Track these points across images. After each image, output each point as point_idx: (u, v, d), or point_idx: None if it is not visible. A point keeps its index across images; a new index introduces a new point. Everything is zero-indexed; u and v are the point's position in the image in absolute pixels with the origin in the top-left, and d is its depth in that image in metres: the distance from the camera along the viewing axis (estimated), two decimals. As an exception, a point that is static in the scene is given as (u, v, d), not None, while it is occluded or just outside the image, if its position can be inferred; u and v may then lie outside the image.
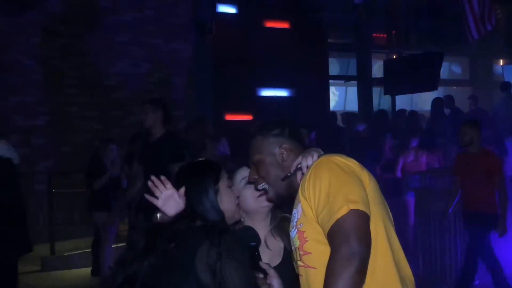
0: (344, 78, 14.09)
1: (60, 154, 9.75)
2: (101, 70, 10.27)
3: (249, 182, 2.47)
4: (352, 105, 13.65)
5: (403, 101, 13.31)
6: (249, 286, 2.15)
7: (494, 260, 6.18)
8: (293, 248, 2.15)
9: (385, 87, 12.38)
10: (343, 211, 1.90)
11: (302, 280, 2.13)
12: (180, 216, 2.30)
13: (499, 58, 15.59)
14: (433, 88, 11.27)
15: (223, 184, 2.38)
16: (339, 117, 11.07)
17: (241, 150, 2.62)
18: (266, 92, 11.99)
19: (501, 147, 8.36)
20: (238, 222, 2.54)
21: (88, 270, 8.03)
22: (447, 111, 10.51)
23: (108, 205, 7.32)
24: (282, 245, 2.55)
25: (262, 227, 2.53)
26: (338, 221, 1.90)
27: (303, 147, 2.37)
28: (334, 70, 13.78)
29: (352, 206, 1.91)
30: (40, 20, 9.76)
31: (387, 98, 13.04)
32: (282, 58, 11.66)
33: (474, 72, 15.36)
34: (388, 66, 12.27)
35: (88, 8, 10.23)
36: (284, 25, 12.23)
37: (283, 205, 2.48)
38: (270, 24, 12.08)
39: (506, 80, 12.30)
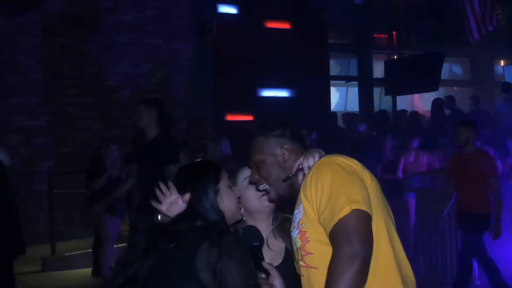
0: (345, 78, 14.09)
1: (60, 155, 9.75)
2: (101, 70, 10.27)
3: (250, 183, 2.47)
4: (353, 106, 13.65)
5: (403, 102, 13.31)
6: (250, 286, 2.15)
7: (489, 261, 6.17)
8: (294, 248, 2.15)
9: (386, 88, 12.38)
10: (345, 211, 1.90)
11: (303, 280, 2.13)
12: (180, 216, 2.30)
13: (499, 58, 15.58)
14: (434, 88, 11.27)
15: (223, 184, 2.38)
16: (339, 118, 11.07)
17: (243, 150, 2.62)
18: (267, 93, 12.00)
19: (502, 147, 8.35)
20: (241, 221, 2.54)
21: (88, 270, 8.02)
22: (447, 111, 10.51)
23: (109, 206, 7.31)
24: (283, 245, 2.55)
25: (264, 227, 2.53)
26: (340, 221, 1.90)
27: (304, 148, 2.37)
28: (335, 71, 13.78)
29: (354, 206, 1.91)
30: (41, 20, 9.77)
31: (388, 98, 13.05)
32: (283, 58, 11.66)
33: (475, 72, 15.34)
34: (389, 66, 12.27)
35: (88, 8, 10.24)
36: (285, 25, 12.24)
37: (284, 206, 2.48)
38: (271, 25, 12.09)
39: (507, 80, 12.30)
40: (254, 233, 2.38)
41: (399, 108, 12.28)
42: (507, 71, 13.87)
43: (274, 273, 2.26)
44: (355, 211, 1.90)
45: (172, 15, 10.99)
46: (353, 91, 13.94)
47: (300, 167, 2.23)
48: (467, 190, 6.14)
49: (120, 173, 7.57)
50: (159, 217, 2.34)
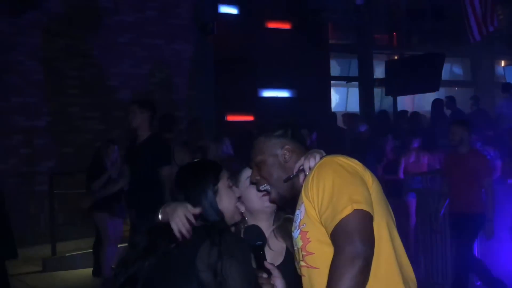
0: (345, 79, 14.09)
1: (61, 155, 9.76)
2: (102, 70, 10.28)
3: (251, 183, 2.47)
4: (354, 106, 13.65)
5: (404, 102, 13.31)
6: (250, 286, 2.15)
7: (476, 261, 6.19)
8: (295, 248, 2.15)
9: (386, 88, 12.38)
10: (347, 211, 1.90)
11: (304, 280, 2.13)
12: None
13: (500, 59, 15.58)
14: (434, 89, 11.27)
15: (222, 184, 2.38)
16: (340, 118, 11.07)
17: (245, 151, 2.62)
18: (268, 93, 12.00)
19: (503, 148, 8.34)
20: (242, 221, 2.54)
21: (89, 270, 8.02)
22: (448, 112, 10.51)
23: (109, 206, 7.31)
24: (284, 245, 2.55)
25: (265, 227, 2.53)
26: (342, 221, 1.90)
27: (305, 148, 2.38)
28: (336, 71, 13.78)
29: (356, 206, 1.91)
30: (42, 20, 9.78)
31: (389, 99, 13.04)
32: (284, 59, 11.67)
33: (476, 73, 15.34)
34: (389, 67, 12.27)
35: (89, 9, 10.25)
36: (286, 25, 12.24)
37: (285, 206, 2.48)
38: (272, 25, 12.09)
39: (508, 81, 12.30)
40: (257, 232, 2.38)
41: (399, 108, 12.28)
42: (507, 72, 13.89)
43: (276, 273, 2.25)
44: (357, 211, 1.90)
45: (173, 16, 10.99)
46: (354, 91, 13.95)
47: (301, 168, 2.24)
48: (460, 189, 6.14)
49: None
50: (159, 217, 2.34)
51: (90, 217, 7.73)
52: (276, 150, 2.33)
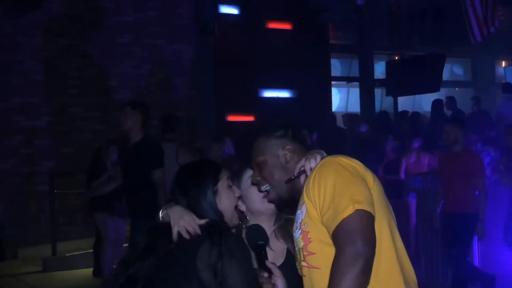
0: (346, 79, 14.08)
1: (62, 155, 9.76)
2: (103, 71, 10.28)
3: (252, 184, 2.47)
4: (354, 106, 13.64)
5: (404, 102, 13.30)
6: (250, 286, 2.15)
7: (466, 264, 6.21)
8: (296, 248, 2.15)
9: (387, 88, 12.37)
10: (349, 211, 1.90)
11: (305, 281, 2.13)
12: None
13: (501, 59, 15.57)
14: (435, 89, 11.26)
15: (222, 184, 2.38)
16: (340, 119, 11.06)
17: (245, 151, 2.61)
18: (268, 93, 11.99)
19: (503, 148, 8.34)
20: (244, 220, 2.54)
21: (89, 270, 8.03)
22: (448, 112, 10.50)
23: (109, 206, 7.31)
24: (285, 246, 2.55)
25: (266, 228, 2.52)
26: (343, 221, 1.90)
27: (306, 148, 2.37)
28: (336, 71, 13.76)
29: (358, 206, 1.91)
30: (43, 21, 9.77)
31: (389, 99, 13.04)
32: (284, 59, 11.66)
33: (476, 73, 15.33)
34: (390, 67, 12.27)
35: (90, 9, 10.24)
36: (286, 26, 12.22)
37: (283, 207, 2.48)
38: (272, 25, 12.08)
39: (508, 81, 12.30)
40: (259, 231, 2.38)
41: (400, 109, 12.28)
42: (508, 72, 13.87)
43: (277, 272, 2.25)
44: (358, 211, 1.90)
45: (174, 16, 10.99)
46: (355, 91, 13.93)
47: (302, 169, 2.23)
48: (454, 189, 6.14)
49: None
50: (160, 217, 2.34)
51: (90, 217, 7.74)
52: (277, 151, 2.33)
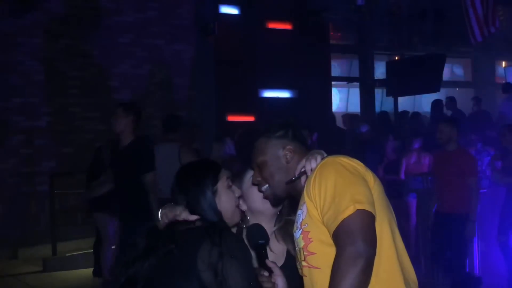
0: (346, 79, 14.09)
1: (62, 155, 9.75)
2: (103, 71, 10.27)
3: (253, 184, 2.47)
4: (354, 107, 13.64)
5: (405, 103, 13.29)
6: (250, 286, 2.15)
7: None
8: (297, 248, 2.15)
9: (387, 89, 12.37)
10: (349, 211, 1.90)
11: (306, 281, 2.13)
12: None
13: (501, 59, 15.57)
14: (435, 89, 11.26)
15: (222, 184, 2.38)
16: (340, 119, 11.06)
17: (246, 151, 2.61)
18: (268, 93, 11.99)
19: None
20: (244, 220, 2.53)
21: (89, 271, 8.02)
22: (448, 112, 10.50)
23: (109, 206, 7.30)
24: (285, 247, 2.55)
25: (266, 229, 2.52)
26: (344, 221, 1.90)
27: (306, 149, 2.37)
28: (337, 72, 13.77)
29: (358, 206, 1.91)
30: (43, 21, 9.77)
31: (390, 99, 13.03)
32: (285, 59, 11.66)
33: (476, 74, 15.33)
34: (390, 67, 12.26)
35: (90, 9, 10.24)
36: (287, 26, 12.22)
37: (277, 205, 2.48)
38: (273, 25, 12.07)
39: (508, 81, 12.29)
40: (259, 230, 2.38)
41: (400, 109, 12.28)
42: (508, 72, 13.86)
43: (277, 271, 2.25)
44: (359, 211, 1.90)
45: (174, 16, 10.98)
46: (355, 92, 13.94)
47: (303, 170, 2.23)
48: (447, 188, 6.14)
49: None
50: (159, 217, 2.33)
51: (90, 217, 7.73)
52: (278, 151, 2.33)
